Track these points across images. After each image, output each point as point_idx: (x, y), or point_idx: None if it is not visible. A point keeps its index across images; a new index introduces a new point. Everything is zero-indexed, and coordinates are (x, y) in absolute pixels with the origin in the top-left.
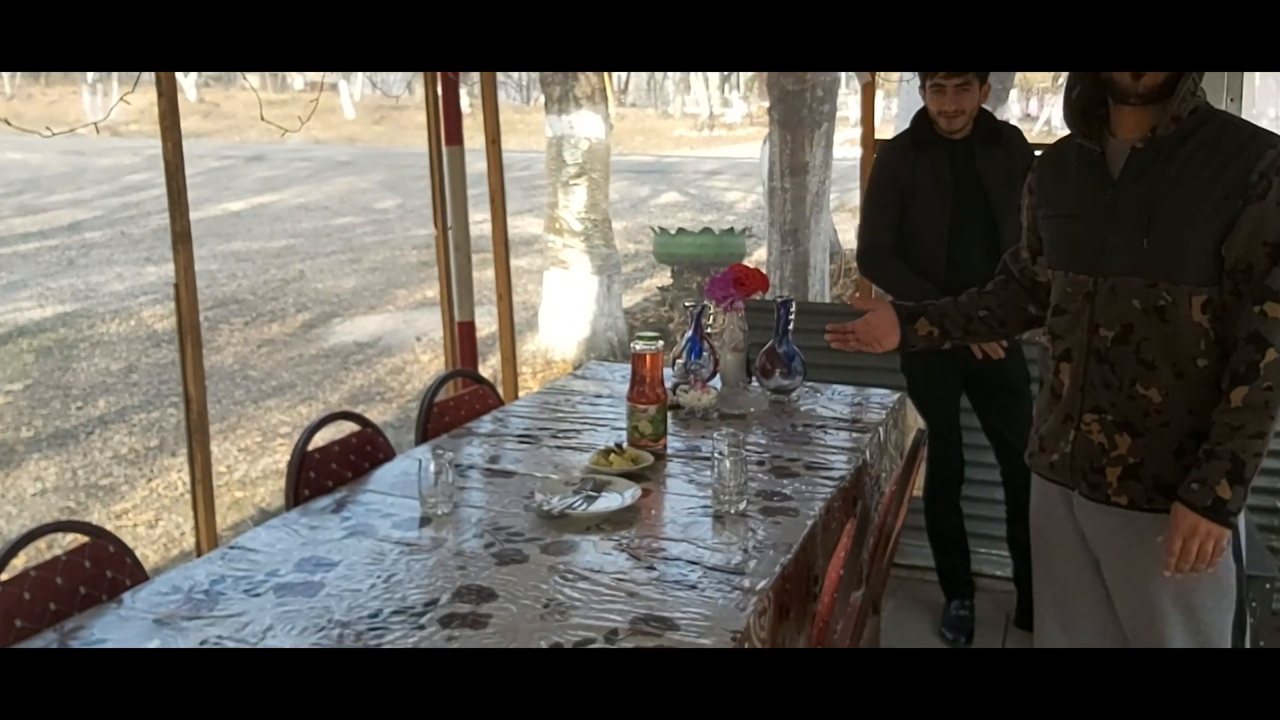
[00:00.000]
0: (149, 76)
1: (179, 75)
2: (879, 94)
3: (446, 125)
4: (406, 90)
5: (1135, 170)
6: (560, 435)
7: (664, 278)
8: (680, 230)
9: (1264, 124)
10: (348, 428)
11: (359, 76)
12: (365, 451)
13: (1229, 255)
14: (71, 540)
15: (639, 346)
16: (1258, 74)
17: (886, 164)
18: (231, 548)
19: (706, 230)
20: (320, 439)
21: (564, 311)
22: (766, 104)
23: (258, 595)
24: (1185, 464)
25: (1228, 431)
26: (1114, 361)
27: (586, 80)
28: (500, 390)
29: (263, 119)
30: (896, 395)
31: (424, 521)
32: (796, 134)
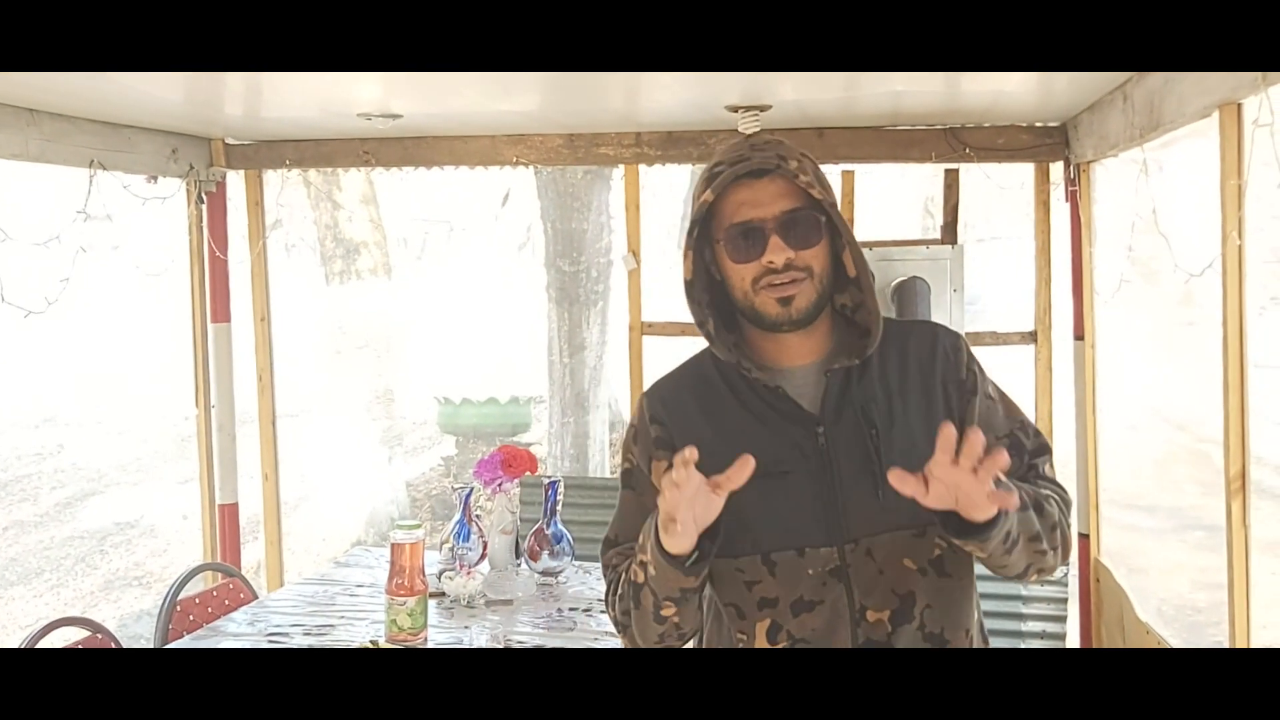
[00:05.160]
0: None
1: None
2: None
3: (214, 302)
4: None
5: (836, 400)
6: (314, 632)
7: (449, 447)
8: (465, 400)
9: None
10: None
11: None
12: None
13: None
14: None
15: (398, 536)
16: None
17: None
18: None
19: (491, 400)
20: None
21: (342, 486)
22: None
23: None
24: None
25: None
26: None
27: (369, 253)
28: (265, 577)
29: (3, 300)
30: None
31: None
32: (573, 311)
